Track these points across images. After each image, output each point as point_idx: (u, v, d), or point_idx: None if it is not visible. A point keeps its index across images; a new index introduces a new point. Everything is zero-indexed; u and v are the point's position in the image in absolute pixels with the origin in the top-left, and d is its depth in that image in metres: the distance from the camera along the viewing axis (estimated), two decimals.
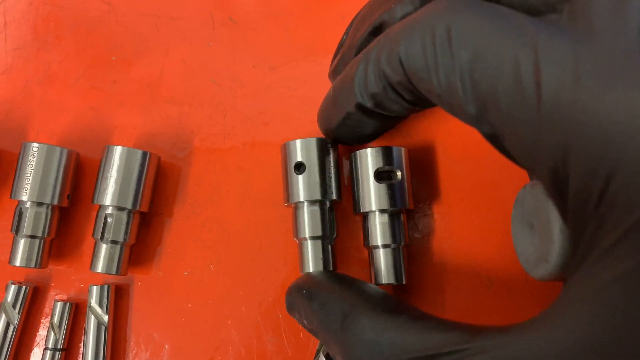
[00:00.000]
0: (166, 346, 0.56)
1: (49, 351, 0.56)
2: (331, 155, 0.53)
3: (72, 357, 0.57)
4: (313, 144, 0.52)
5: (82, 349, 0.57)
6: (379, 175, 0.52)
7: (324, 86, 0.58)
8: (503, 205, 0.56)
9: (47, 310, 0.59)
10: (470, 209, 0.56)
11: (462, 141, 0.57)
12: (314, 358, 0.52)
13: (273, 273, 0.56)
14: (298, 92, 0.60)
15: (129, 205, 0.54)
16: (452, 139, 0.57)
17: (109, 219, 0.54)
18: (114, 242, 0.55)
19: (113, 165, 0.55)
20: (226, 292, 0.56)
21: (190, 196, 0.59)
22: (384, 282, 0.51)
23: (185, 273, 0.57)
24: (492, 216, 0.55)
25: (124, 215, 0.55)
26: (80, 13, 0.64)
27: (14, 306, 0.57)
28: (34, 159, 0.55)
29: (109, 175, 0.55)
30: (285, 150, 0.53)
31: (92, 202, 0.55)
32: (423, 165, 0.57)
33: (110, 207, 0.55)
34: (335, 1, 0.62)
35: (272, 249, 0.57)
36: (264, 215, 0.58)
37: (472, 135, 0.56)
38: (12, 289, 0.57)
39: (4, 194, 0.61)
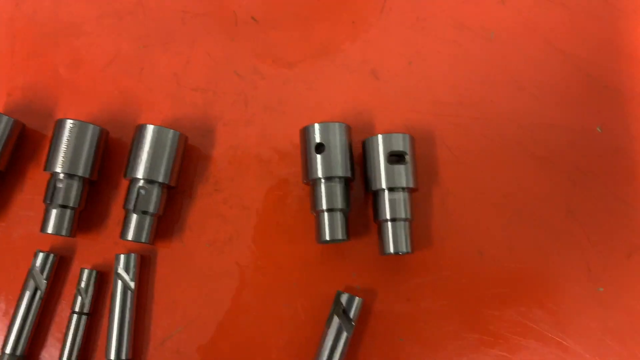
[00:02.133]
0: (187, 311, 0.61)
1: (75, 315, 0.60)
2: (346, 138, 0.59)
3: (95, 322, 0.61)
4: (331, 127, 0.59)
5: (106, 314, 0.61)
6: (390, 158, 0.59)
7: (336, 81, 0.66)
8: (493, 189, 0.63)
9: (71, 279, 0.62)
10: (465, 192, 0.63)
11: (459, 134, 0.65)
12: (328, 319, 0.58)
13: (289, 245, 0.62)
14: (313, 86, 0.66)
15: (159, 179, 0.59)
16: (449, 132, 0.65)
17: (141, 191, 0.59)
18: (144, 212, 0.59)
19: (145, 142, 0.60)
20: (245, 263, 0.61)
21: (213, 176, 0.64)
22: (391, 252, 0.58)
23: (207, 245, 0.62)
24: (484, 197, 0.63)
25: (154, 188, 0.60)
26: (110, 4, 0.69)
27: (42, 272, 0.60)
28: (69, 134, 0.60)
29: (141, 151, 0.60)
30: (305, 133, 0.60)
31: (124, 176, 0.60)
32: (424, 155, 0.64)
33: (142, 180, 0.60)
34: (347, 8, 0.69)
35: (288, 224, 0.62)
36: (281, 194, 0.63)
37: (468, 129, 0.64)
38: (40, 256, 0.61)
39: (30, 170, 0.65)
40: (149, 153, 0.59)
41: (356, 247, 0.62)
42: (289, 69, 0.67)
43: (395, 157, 0.60)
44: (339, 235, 0.58)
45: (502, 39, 0.68)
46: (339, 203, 0.58)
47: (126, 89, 0.67)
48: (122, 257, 0.60)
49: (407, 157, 0.59)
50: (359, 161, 0.63)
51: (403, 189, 0.59)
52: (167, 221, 0.63)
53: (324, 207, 0.58)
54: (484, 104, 0.65)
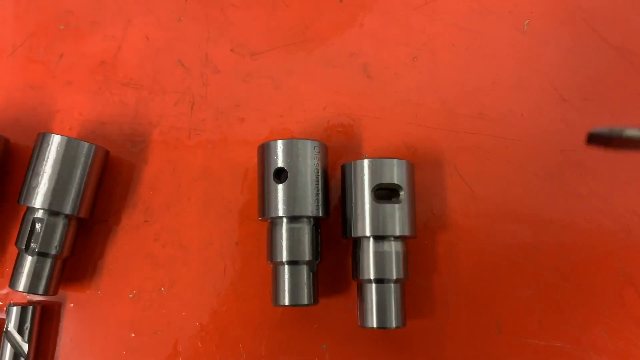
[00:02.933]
0: None
1: None
2: (319, 163, 0.43)
3: None
4: (298, 146, 0.43)
5: None
6: (378, 194, 0.42)
7: (314, 79, 0.49)
8: (520, 239, 0.47)
9: None
10: (481, 241, 0.47)
11: (477, 158, 0.48)
12: None
13: (239, 303, 0.47)
14: (283, 85, 0.50)
15: (65, 210, 0.44)
16: (464, 155, 0.48)
17: (38, 225, 0.44)
18: (42, 254, 0.44)
19: (48, 158, 0.44)
20: (180, 323, 0.47)
21: (143, 202, 0.49)
22: (374, 326, 0.42)
23: (131, 296, 0.47)
24: (506, 250, 0.47)
25: (57, 222, 0.44)
26: None
27: None
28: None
29: (41, 170, 0.44)
30: (264, 153, 0.44)
31: (18, 202, 0.44)
32: (428, 185, 0.47)
33: (41, 211, 0.44)
34: None
35: (239, 274, 0.47)
36: (231, 230, 0.48)
37: (489, 152, 0.47)
38: None
39: None
40: (51, 175, 0.44)
41: (329, 309, 0.47)
42: (251, 61, 0.51)
43: (385, 192, 0.43)
44: (303, 299, 0.43)
45: (539, 30, 0.50)
46: (305, 254, 0.43)
47: (38, 82, 0.52)
48: (14, 310, 0.45)
49: (403, 194, 0.42)
50: (339, 190, 0.46)
51: (395, 237, 0.42)
52: (80, 258, 0.48)
53: (285, 258, 0.42)
54: (512, 118, 0.49)
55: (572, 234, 0.47)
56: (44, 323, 0.47)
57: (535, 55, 0.50)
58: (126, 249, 0.48)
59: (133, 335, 0.47)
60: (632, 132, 0.29)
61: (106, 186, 0.49)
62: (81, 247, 0.48)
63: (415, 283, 0.46)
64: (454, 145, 0.49)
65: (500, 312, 0.46)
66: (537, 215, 0.47)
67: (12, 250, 0.48)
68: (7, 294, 0.48)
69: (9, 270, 0.48)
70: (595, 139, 0.31)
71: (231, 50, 0.51)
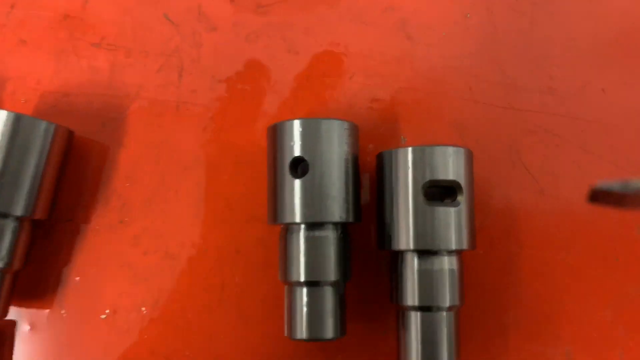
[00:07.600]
0: None
1: None
2: (349, 150, 0.35)
3: None
4: (322, 128, 0.35)
5: None
6: (429, 193, 0.32)
7: (338, 39, 0.41)
8: (599, 247, 0.38)
9: None
10: (549, 248, 0.39)
11: (545, 144, 0.40)
12: None
13: (241, 328, 0.39)
14: (299, 47, 0.42)
15: (16, 211, 0.36)
16: (530, 139, 0.39)
17: None
18: None
19: None
20: (167, 352, 0.39)
21: (118, 196, 0.41)
22: None
23: (103, 316, 0.40)
24: (580, 262, 0.39)
25: (6, 226, 0.36)
26: None
27: None
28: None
29: None
30: (276, 136, 0.36)
31: None
32: (484, 177, 0.38)
33: None
34: None
35: (242, 290, 0.39)
36: (232, 235, 0.41)
37: (561, 136, 0.37)
38: None
39: None
40: None
41: (357, 336, 0.38)
42: (257, 15, 0.42)
43: (437, 190, 0.34)
44: (327, 333, 0.35)
45: None
46: (330, 272, 0.34)
47: None
48: None
49: (462, 196, 0.32)
50: (371, 184, 0.38)
51: (449, 252, 0.32)
52: (37, 267, 0.40)
53: (303, 277, 0.34)
54: (589, 93, 0.42)
55: None
56: None
57: (620, 13, 0.40)
58: (97, 257, 0.40)
59: None
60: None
61: (70, 176, 0.40)
62: (38, 254, 0.39)
63: (465, 304, 0.37)
64: (517, 127, 0.41)
65: (572, 339, 0.39)
66: (621, 218, 0.39)
67: None
68: None
69: None
70: (601, 197, 0.22)
71: (231, 1, 0.41)
